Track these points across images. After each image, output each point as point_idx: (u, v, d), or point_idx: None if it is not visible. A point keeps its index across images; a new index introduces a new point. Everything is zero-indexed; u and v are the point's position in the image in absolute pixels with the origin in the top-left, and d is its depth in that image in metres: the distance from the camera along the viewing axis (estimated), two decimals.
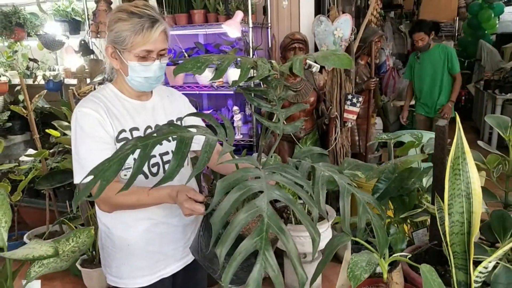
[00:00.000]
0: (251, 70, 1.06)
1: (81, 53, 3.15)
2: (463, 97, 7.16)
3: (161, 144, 0.95)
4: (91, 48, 3.24)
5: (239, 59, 1.12)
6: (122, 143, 1.28)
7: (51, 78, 3.50)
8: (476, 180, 0.90)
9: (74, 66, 3.26)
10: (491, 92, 5.58)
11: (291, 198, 0.85)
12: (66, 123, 2.98)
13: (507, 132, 1.18)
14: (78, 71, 3.08)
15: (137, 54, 1.26)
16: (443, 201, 0.95)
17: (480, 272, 0.92)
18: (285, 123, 1.15)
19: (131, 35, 1.24)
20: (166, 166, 1.37)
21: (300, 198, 0.97)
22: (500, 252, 0.89)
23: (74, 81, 3.53)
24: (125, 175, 1.31)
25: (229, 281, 0.71)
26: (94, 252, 2.63)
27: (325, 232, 2.38)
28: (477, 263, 0.94)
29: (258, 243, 0.73)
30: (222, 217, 0.76)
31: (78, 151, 1.27)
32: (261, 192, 0.81)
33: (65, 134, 2.94)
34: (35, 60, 3.91)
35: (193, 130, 0.97)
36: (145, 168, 1.35)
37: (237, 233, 0.74)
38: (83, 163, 1.25)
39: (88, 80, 3.17)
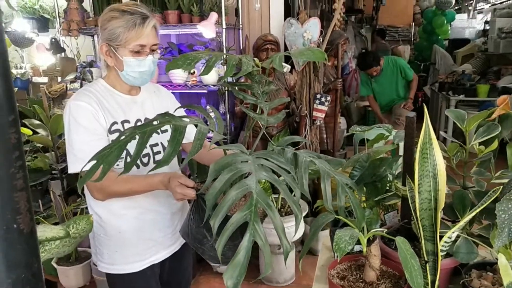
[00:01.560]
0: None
1: (52, 51, 3.13)
2: (420, 99, 7.57)
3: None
4: (62, 46, 3.21)
5: (225, 56, 1.22)
6: (114, 134, 1.36)
7: (19, 76, 3.44)
8: (441, 162, 1.04)
9: (45, 64, 3.22)
10: (445, 93, 5.96)
11: (277, 178, 0.96)
12: (37, 122, 2.94)
13: (464, 124, 1.34)
14: (49, 70, 3.06)
15: (131, 49, 1.33)
16: (413, 182, 1.08)
17: (445, 242, 1.06)
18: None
19: (125, 31, 1.31)
20: (156, 157, 1.45)
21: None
22: (461, 224, 1.04)
23: (42, 79, 3.49)
24: (117, 164, 1.37)
25: (219, 255, 0.77)
26: None
27: (300, 224, 2.50)
28: (441, 237, 1.09)
29: (248, 215, 0.81)
30: (216, 194, 0.85)
31: (72, 142, 1.32)
32: (250, 174, 0.91)
33: (36, 132, 2.92)
34: None
35: (186, 120, 1.06)
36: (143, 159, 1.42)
37: (228, 207, 0.82)
38: (78, 154, 1.31)
39: (59, 79, 3.15)
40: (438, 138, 1.06)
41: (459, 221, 1.28)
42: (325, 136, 3.49)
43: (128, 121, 1.41)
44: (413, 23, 9.34)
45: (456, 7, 9.59)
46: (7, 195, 0.49)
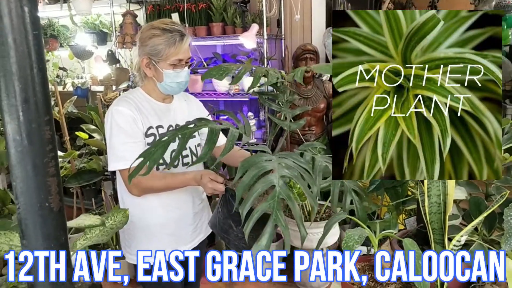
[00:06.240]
0: (263, 77, 1.27)
1: (108, 62, 3.41)
2: None
3: None
4: (117, 57, 3.49)
5: (254, 68, 1.34)
6: (150, 137, 1.51)
7: (79, 85, 3.77)
8: None
9: (102, 74, 3.52)
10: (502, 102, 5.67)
11: (297, 175, 1.05)
12: (93, 127, 3.22)
13: None
14: (105, 79, 3.34)
15: (171, 63, 1.49)
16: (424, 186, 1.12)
17: (454, 245, 1.09)
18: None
19: (166, 48, 1.47)
20: (184, 160, 1.59)
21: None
22: (469, 227, 1.06)
23: (99, 88, 3.80)
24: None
25: (246, 237, 0.89)
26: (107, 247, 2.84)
27: (333, 229, 2.54)
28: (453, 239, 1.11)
29: (272, 204, 0.93)
30: (244, 187, 0.97)
31: (113, 143, 1.48)
32: (273, 171, 1.02)
33: (92, 137, 3.19)
34: (64, 69, 4.20)
35: (220, 124, 1.18)
36: (168, 160, 1.56)
37: (254, 198, 0.93)
38: (117, 153, 1.47)
39: (114, 87, 3.42)
40: None
41: (475, 226, 1.29)
42: None
43: (162, 126, 1.55)
44: None
45: None
46: (42, 179, 0.61)
